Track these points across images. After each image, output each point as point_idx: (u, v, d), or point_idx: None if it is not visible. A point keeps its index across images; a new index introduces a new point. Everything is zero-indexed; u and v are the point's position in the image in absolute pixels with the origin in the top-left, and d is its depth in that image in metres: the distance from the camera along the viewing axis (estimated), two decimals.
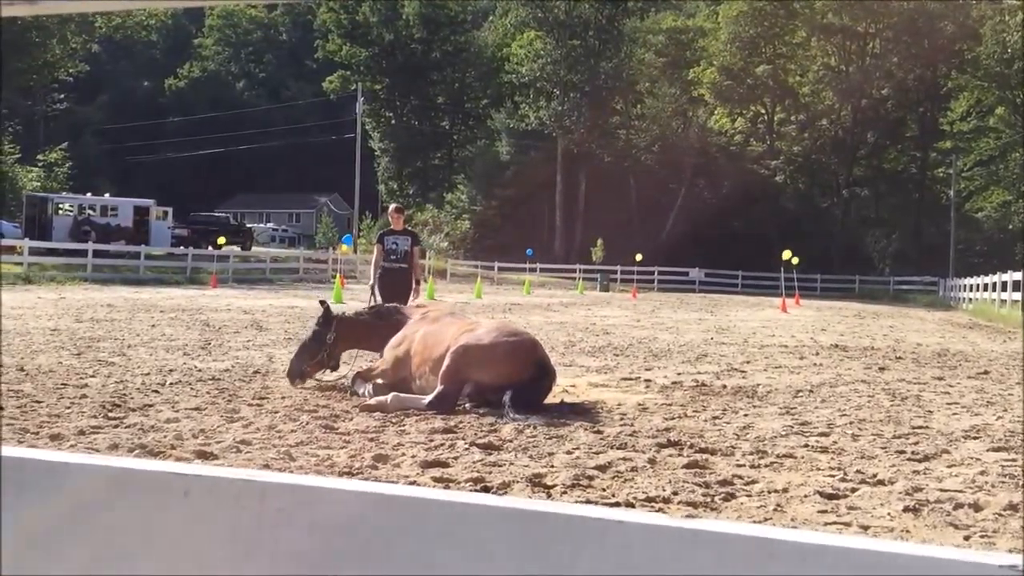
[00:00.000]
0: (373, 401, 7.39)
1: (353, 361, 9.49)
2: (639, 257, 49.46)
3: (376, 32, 71.74)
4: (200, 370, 9.53)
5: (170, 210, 47.53)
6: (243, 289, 32.18)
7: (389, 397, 7.36)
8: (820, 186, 63.53)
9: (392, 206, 11.86)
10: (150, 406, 7.19)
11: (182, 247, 41.98)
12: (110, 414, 6.75)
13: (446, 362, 7.37)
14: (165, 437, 5.86)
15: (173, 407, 7.18)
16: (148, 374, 9.08)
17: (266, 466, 5.11)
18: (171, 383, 8.48)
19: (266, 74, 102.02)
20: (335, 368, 8.65)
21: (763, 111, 65.35)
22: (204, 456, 5.34)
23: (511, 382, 7.16)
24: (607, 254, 55.90)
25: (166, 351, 11.31)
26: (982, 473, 5.37)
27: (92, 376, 8.76)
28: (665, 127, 62.11)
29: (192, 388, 8.24)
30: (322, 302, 9.02)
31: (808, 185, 63.35)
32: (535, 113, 63.43)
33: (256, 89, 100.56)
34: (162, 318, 16.95)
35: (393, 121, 73.31)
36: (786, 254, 30.64)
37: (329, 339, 8.47)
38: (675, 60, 65.22)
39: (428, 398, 7.27)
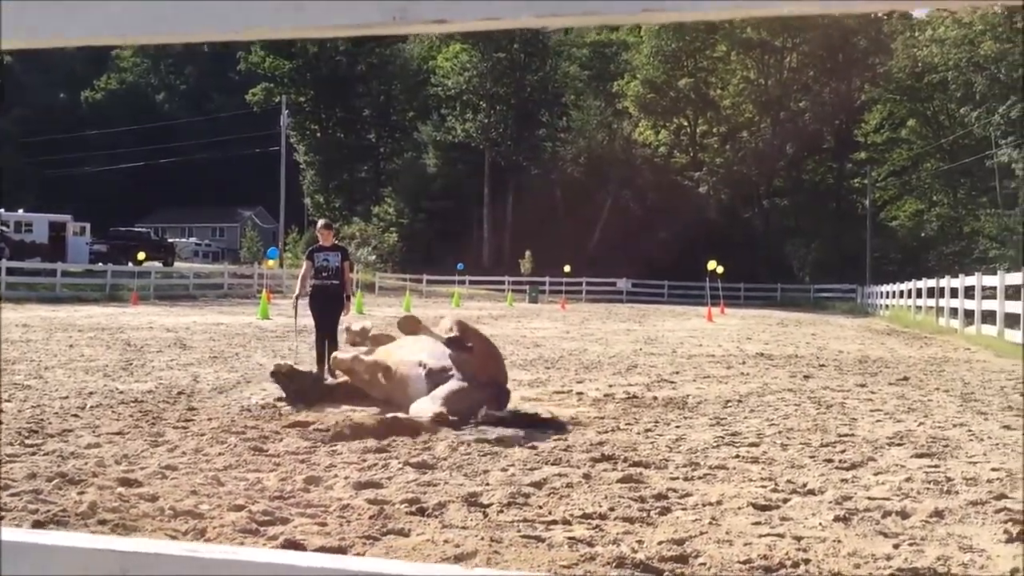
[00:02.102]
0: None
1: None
2: (567, 269, 49.83)
3: (300, 44, 70.99)
4: (122, 392, 9.23)
5: (88, 225, 46.15)
6: (166, 306, 31.41)
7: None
8: (742, 197, 64.94)
9: (321, 222, 11.70)
10: (69, 431, 6.93)
11: (101, 263, 40.82)
12: (27, 441, 6.48)
13: (482, 357, 7.59)
14: (86, 464, 5.65)
15: (94, 432, 6.93)
16: (67, 397, 8.76)
17: (193, 492, 4.97)
18: (91, 406, 8.20)
19: (187, 86, 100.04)
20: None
21: (686, 123, 66.64)
22: (127, 483, 5.16)
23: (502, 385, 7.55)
24: (535, 265, 56.18)
25: (85, 372, 10.94)
26: (908, 480, 5.50)
27: (7, 400, 8.41)
28: (591, 139, 62.82)
29: (114, 411, 7.97)
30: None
31: (730, 196, 64.72)
32: (462, 126, 63.54)
33: (177, 101, 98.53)
34: (81, 338, 16.41)
35: (318, 134, 72.57)
36: (711, 264, 31.20)
37: None
38: (600, 73, 66.14)
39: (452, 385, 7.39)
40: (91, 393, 9.08)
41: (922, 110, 56.66)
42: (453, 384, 7.43)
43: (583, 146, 62.66)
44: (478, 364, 7.59)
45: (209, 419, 7.66)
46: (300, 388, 8.46)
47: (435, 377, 7.64)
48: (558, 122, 65.40)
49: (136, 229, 56.56)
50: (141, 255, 40.50)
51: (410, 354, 8.03)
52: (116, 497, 4.76)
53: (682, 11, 0.82)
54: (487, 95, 63.03)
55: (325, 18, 0.80)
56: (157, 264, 45.11)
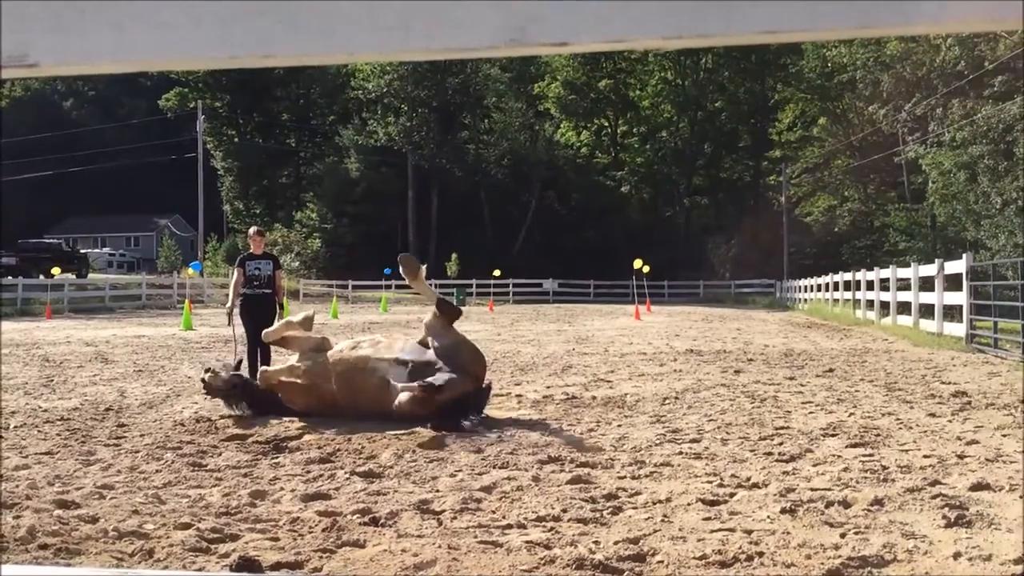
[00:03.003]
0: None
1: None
2: (497, 273, 49.95)
3: None
4: (46, 410, 8.92)
5: None
6: (82, 319, 30.42)
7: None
8: (663, 196, 65.97)
9: (253, 229, 11.48)
10: None
11: (10, 277, 39.30)
12: None
13: (457, 353, 7.50)
14: (18, 487, 5.44)
15: (21, 453, 6.68)
16: None
17: (135, 512, 4.82)
18: (15, 426, 7.90)
19: (96, 92, 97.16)
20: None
21: (607, 124, 67.42)
22: (64, 505, 4.99)
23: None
24: (461, 268, 56.14)
25: (4, 391, 10.52)
26: (845, 470, 5.66)
27: None
28: (513, 141, 63.06)
29: (39, 430, 7.69)
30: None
31: (652, 195, 65.70)
32: (384, 129, 63.10)
33: (86, 107, 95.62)
34: None
35: (236, 139, 71.22)
36: (637, 263, 31.60)
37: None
38: (520, 75, 66.39)
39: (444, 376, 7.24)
40: (13, 412, 8.74)
41: (832, 108, 58.36)
42: (446, 374, 7.29)
43: (506, 148, 62.85)
44: (468, 356, 7.53)
45: (142, 435, 7.45)
46: (231, 391, 8.20)
47: (421, 372, 7.41)
48: (480, 124, 65.48)
49: (47, 240, 54.64)
50: (55, 269, 39.14)
51: (379, 354, 7.77)
52: (55, 520, 4.59)
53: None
54: (408, 98, 62.73)
55: (435, 40, 0.79)
56: (70, 276, 43.66)
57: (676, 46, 0.80)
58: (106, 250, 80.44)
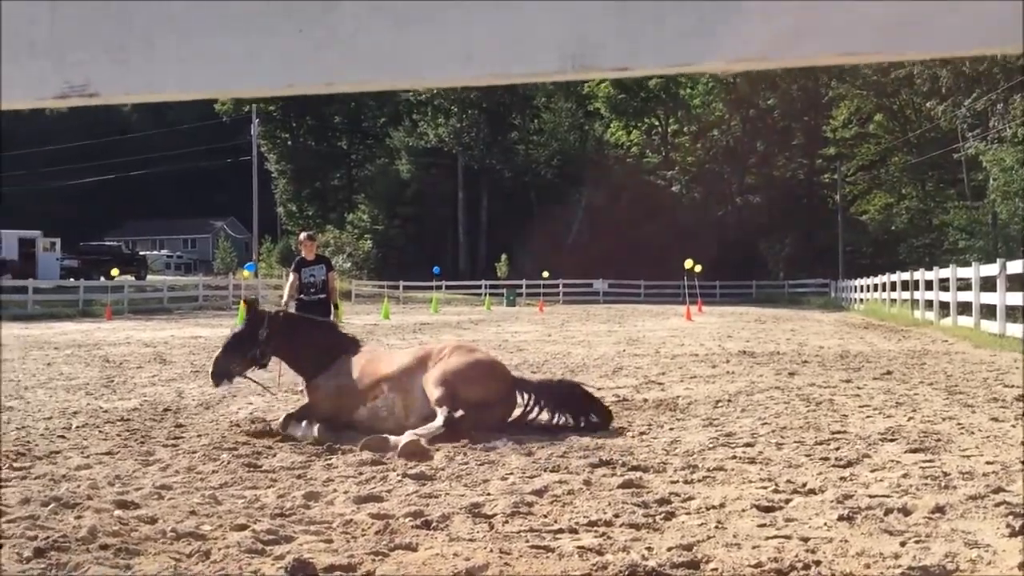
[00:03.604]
0: (405, 440, 6.56)
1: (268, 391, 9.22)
2: (546, 274, 49.96)
3: None
4: (106, 411, 9.11)
5: (58, 241, 45.67)
6: (141, 320, 31.08)
7: (409, 435, 6.70)
8: (714, 195, 65.35)
9: (304, 235, 11.60)
10: (57, 452, 6.82)
11: (72, 279, 40.33)
12: (15, 464, 6.36)
13: (436, 385, 7.12)
14: (80, 487, 5.56)
15: (83, 452, 6.83)
16: (51, 418, 8.63)
17: (192, 512, 4.90)
18: (77, 426, 8.08)
19: None
20: (265, 367, 8.22)
21: (657, 123, 66.97)
22: (124, 505, 5.08)
23: (496, 399, 7.18)
24: (512, 268, 56.23)
25: (66, 391, 10.79)
26: (905, 476, 5.53)
27: None
28: (563, 141, 62.99)
29: (100, 431, 7.86)
30: (250, 301, 8.63)
31: (703, 194, 65.11)
32: (434, 131, 63.48)
33: (144, 112, 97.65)
34: (58, 355, 16.20)
35: (289, 142, 72.21)
36: (688, 263, 31.34)
37: (262, 335, 7.91)
38: None
39: (437, 423, 6.89)
40: (75, 412, 8.95)
41: (889, 105, 57.29)
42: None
43: (555, 148, 62.81)
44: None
45: (199, 436, 7.57)
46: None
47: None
48: (530, 125, 65.51)
49: (107, 243, 55.98)
50: (114, 271, 40.05)
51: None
52: (115, 520, 4.68)
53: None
54: (458, 99, 63.01)
55: (497, 66, 0.78)
56: (130, 278, 44.63)
57: (739, 69, 0.78)
58: (164, 252, 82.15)
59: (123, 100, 0.87)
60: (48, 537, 4.29)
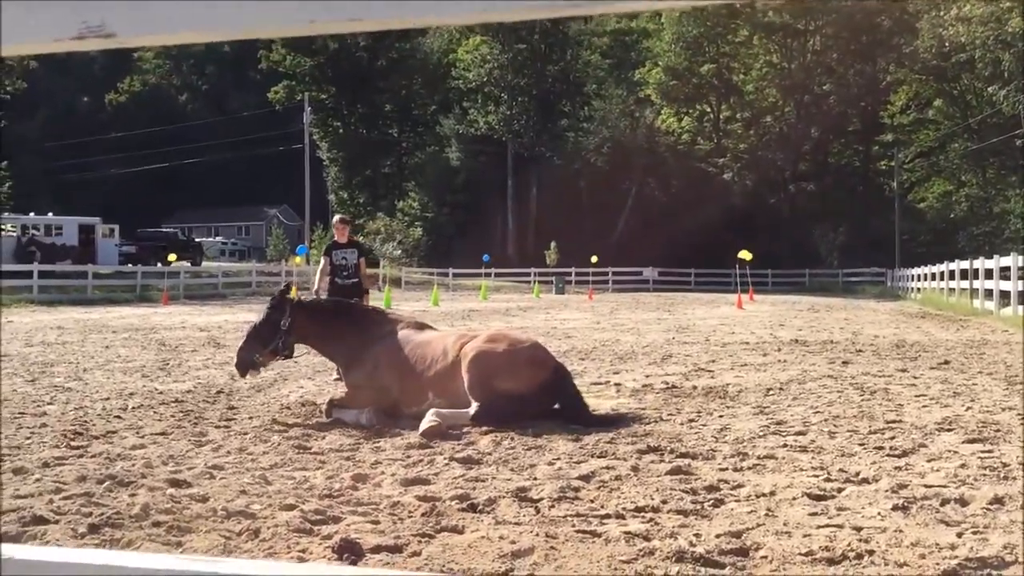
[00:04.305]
0: (426, 424, 6.70)
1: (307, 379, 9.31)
2: (595, 259, 49.69)
3: (320, 41, 71.12)
4: (161, 392, 9.29)
5: (117, 227, 46.66)
6: (196, 305, 31.64)
7: (431, 415, 6.81)
8: (767, 182, 64.34)
9: (337, 217, 11.64)
10: (114, 432, 6.97)
11: (130, 264, 41.18)
12: (73, 443, 6.52)
13: (468, 374, 7.11)
14: (134, 466, 5.67)
15: (138, 433, 6.97)
16: (108, 399, 8.82)
17: (243, 492, 4.96)
18: (133, 407, 8.25)
19: (209, 86, 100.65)
20: (289, 356, 8.19)
21: (709, 110, 66.12)
22: (177, 484, 5.17)
23: (534, 387, 7.08)
24: (561, 256, 56.06)
25: (123, 373, 11.01)
26: (962, 466, 5.40)
27: (49, 403, 8.49)
28: (613, 128, 62.50)
29: (155, 412, 8.02)
30: (285, 287, 8.64)
31: (755, 181, 64.13)
32: (484, 118, 63.45)
33: (199, 101, 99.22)
34: (115, 339, 16.55)
35: (341, 130, 72.72)
36: (741, 253, 30.93)
37: (284, 325, 7.89)
38: (620, 61, 65.77)
39: (471, 410, 6.97)
40: (131, 394, 9.14)
41: (949, 90, 55.85)
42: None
43: (606, 135, 62.36)
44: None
45: (250, 418, 7.68)
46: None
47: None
48: (580, 112, 65.12)
49: (164, 230, 57.08)
50: (171, 256, 40.81)
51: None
52: (167, 499, 4.77)
53: None
54: (508, 86, 62.89)
55: None
56: (186, 264, 45.45)
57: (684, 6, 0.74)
58: (219, 239, 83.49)
59: (140, 43, 0.86)
60: (103, 514, 4.38)
